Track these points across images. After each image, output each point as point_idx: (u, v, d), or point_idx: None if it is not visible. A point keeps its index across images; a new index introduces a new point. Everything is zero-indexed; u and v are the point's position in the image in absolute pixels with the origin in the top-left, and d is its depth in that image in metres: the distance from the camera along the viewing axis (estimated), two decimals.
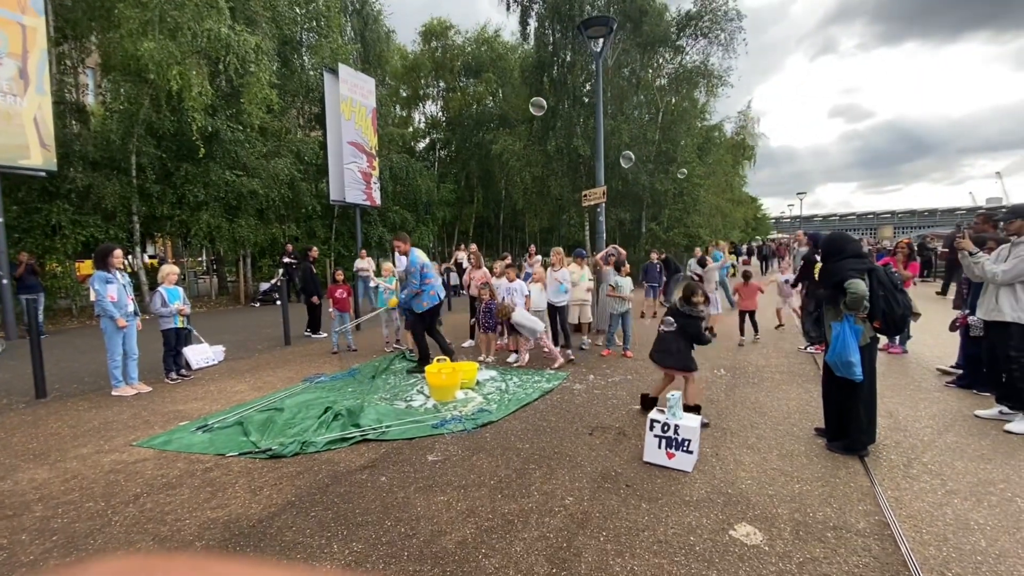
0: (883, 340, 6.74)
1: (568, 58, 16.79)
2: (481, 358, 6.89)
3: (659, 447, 3.46)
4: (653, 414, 3.55)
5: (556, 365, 6.38)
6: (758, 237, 44.30)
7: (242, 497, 3.16)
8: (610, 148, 14.92)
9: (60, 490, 3.32)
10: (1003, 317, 4.11)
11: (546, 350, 6.63)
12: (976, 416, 4.36)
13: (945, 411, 4.57)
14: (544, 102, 8.70)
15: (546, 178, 18.21)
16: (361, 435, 4.07)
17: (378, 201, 16.45)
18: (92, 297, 5.35)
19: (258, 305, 14.37)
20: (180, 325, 6.14)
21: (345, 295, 7.58)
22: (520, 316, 6.41)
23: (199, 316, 11.94)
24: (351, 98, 14.80)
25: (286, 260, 14.25)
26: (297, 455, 3.77)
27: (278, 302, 13.69)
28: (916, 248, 7.25)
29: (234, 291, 15.92)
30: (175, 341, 6.14)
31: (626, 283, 6.98)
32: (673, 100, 18.15)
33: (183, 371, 6.31)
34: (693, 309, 4.33)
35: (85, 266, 15.57)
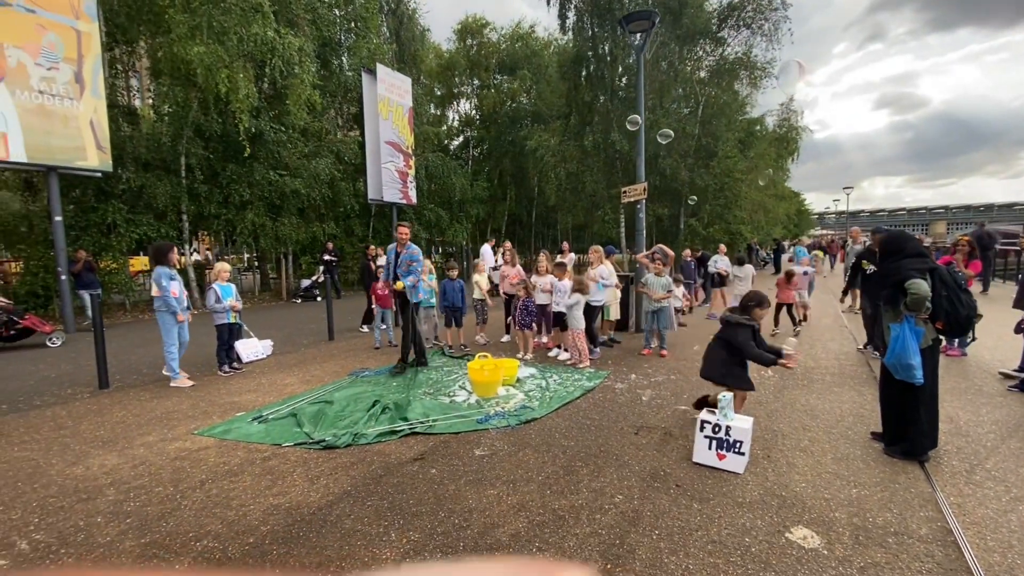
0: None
1: (607, 51, 16.65)
2: (519, 355, 6.97)
3: (709, 448, 3.46)
4: (703, 415, 3.55)
5: (582, 365, 6.43)
6: (813, 233, 42.92)
7: (301, 485, 3.32)
8: (649, 142, 14.76)
9: (130, 475, 3.56)
10: None
11: (570, 348, 6.67)
12: None
13: (1009, 416, 4.40)
14: (640, 119, 8.64)
15: (581, 174, 18.12)
16: (409, 428, 4.21)
17: (414, 200, 16.71)
18: (154, 292, 5.68)
19: (299, 301, 14.85)
20: (232, 320, 6.44)
21: (387, 291, 7.78)
22: (580, 304, 6.49)
23: (244, 312, 12.39)
24: (388, 98, 15.09)
25: (327, 258, 14.69)
26: (349, 446, 3.92)
27: (319, 298, 14.17)
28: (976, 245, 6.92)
29: (276, 288, 16.48)
30: (227, 336, 6.45)
31: (657, 281, 6.94)
32: (714, 93, 17.77)
33: (235, 364, 6.63)
34: (743, 317, 3.97)
35: (137, 262, 16.44)
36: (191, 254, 14.19)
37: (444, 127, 25.00)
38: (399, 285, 6.30)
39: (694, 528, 2.75)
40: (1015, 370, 5.49)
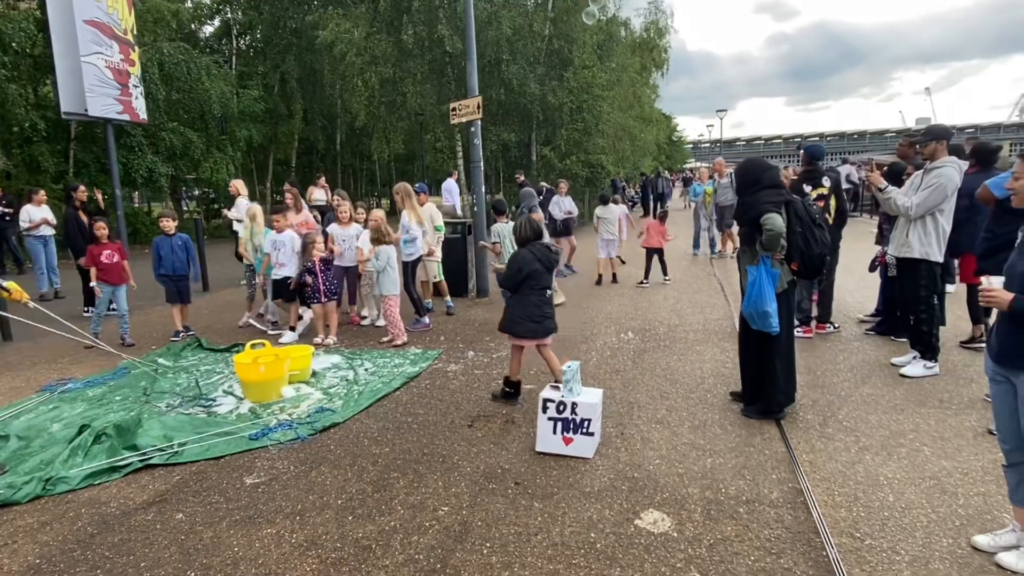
0: None
1: None
2: (317, 339, 6.80)
3: (554, 432, 3.76)
4: (546, 392, 3.83)
5: (399, 342, 6.65)
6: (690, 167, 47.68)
7: None
8: (486, 43, 14.94)
9: None
10: (912, 253, 5.01)
11: (388, 320, 6.79)
12: (892, 364, 5.33)
13: (864, 361, 5.55)
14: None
15: (400, 82, 17.76)
16: (141, 460, 3.93)
17: (143, 115, 14.90)
18: None
19: None
20: None
21: (117, 259, 6.84)
22: (392, 261, 6.59)
23: None
24: None
25: None
26: (38, 498, 3.54)
27: None
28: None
29: None
30: None
31: (497, 228, 7.22)
32: None
33: None
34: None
35: None
36: None
37: (188, 3, 22.50)
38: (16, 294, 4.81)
39: (533, 532, 3.00)
40: (869, 315, 6.88)
